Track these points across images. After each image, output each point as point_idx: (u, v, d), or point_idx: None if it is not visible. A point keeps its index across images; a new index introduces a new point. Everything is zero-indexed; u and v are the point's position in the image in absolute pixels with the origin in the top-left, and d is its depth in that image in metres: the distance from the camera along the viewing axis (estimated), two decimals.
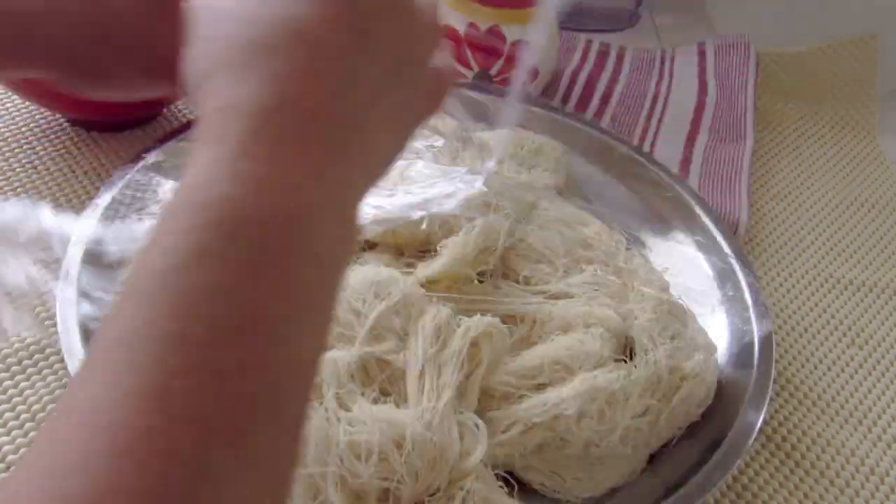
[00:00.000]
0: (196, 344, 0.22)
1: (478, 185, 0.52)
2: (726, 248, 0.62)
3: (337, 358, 0.47)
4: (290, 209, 0.24)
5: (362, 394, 0.47)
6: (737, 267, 0.60)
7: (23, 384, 0.52)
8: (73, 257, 0.54)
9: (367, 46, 0.27)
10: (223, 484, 0.21)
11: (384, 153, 0.30)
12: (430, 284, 0.54)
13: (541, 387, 0.50)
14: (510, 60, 0.74)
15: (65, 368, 0.50)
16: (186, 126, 0.65)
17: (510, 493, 0.47)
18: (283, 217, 0.24)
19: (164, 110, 0.73)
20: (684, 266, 0.62)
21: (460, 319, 0.51)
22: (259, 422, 0.23)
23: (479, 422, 0.47)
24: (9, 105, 0.72)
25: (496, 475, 0.47)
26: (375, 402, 0.47)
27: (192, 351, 0.22)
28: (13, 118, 0.71)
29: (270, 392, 0.23)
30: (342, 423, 0.44)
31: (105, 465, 0.20)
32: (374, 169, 0.30)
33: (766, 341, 0.55)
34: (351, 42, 0.27)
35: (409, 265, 0.57)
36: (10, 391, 0.51)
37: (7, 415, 0.50)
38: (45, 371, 0.52)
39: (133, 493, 0.20)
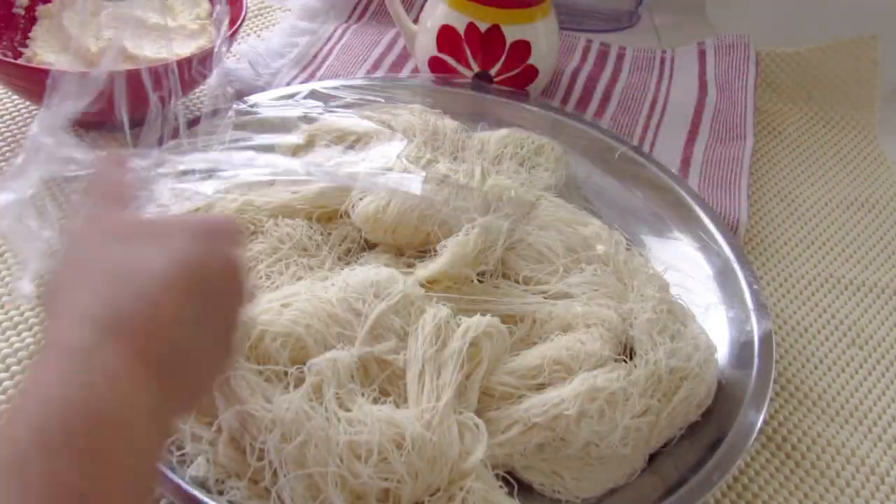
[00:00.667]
0: None
1: (415, 186, 0.53)
2: (726, 248, 0.62)
3: (337, 358, 0.47)
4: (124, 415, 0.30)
5: (362, 394, 0.47)
6: (737, 267, 0.60)
7: (23, 384, 0.52)
8: None
9: (199, 312, 0.34)
10: None
11: (194, 393, 0.37)
12: (430, 284, 0.54)
13: (541, 387, 0.50)
14: (510, 60, 0.74)
15: None
16: (186, 126, 0.65)
17: (510, 493, 0.47)
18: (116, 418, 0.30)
19: (164, 110, 0.73)
20: (684, 266, 0.62)
21: (460, 319, 0.51)
22: None
23: (479, 422, 0.47)
24: (9, 105, 0.72)
25: (496, 475, 0.47)
26: (375, 402, 0.47)
27: None
28: (13, 118, 0.71)
29: None
30: (342, 423, 0.44)
31: None
32: (191, 395, 0.36)
33: (766, 341, 0.55)
34: (188, 307, 0.34)
35: (409, 265, 0.57)
36: (11, 391, 0.51)
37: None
38: None
39: None
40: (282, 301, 0.49)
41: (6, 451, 0.28)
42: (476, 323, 0.50)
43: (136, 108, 0.69)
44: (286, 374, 0.47)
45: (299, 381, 0.46)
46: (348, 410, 0.45)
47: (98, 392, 0.29)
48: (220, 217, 0.40)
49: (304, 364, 0.47)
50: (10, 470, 0.27)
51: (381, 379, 0.48)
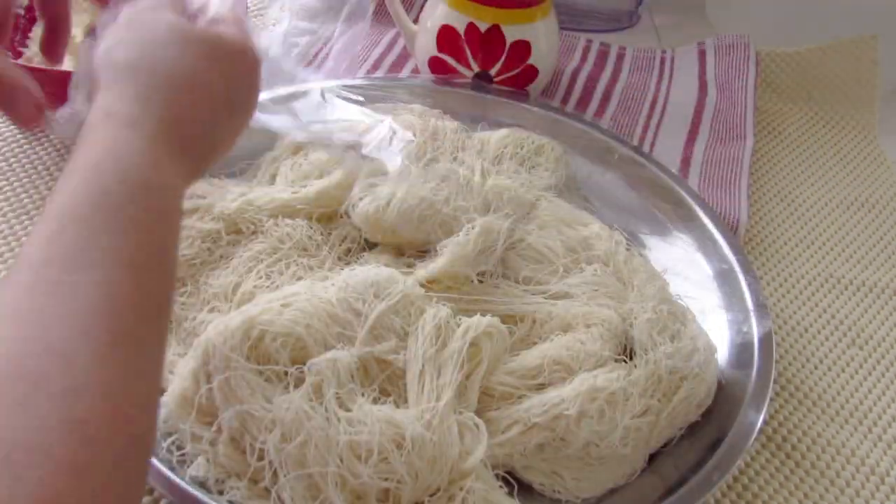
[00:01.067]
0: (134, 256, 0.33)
1: (394, 159, 0.54)
2: (726, 248, 0.62)
3: (337, 358, 0.47)
4: (155, 181, 0.36)
5: (362, 394, 0.47)
6: (737, 267, 0.60)
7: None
8: None
9: (230, 98, 0.42)
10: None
11: (220, 151, 0.43)
12: (430, 284, 0.54)
13: (541, 387, 0.50)
14: (510, 60, 0.74)
15: None
16: None
17: (510, 493, 0.47)
18: (152, 185, 0.36)
19: None
20: (684, 266, 0.62)
21: (460, 319, 0.51)
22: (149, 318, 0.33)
23: (479, 421, 0.47)
24: None
25: (496, 475, 0.47)
26: (375, 402, 0.47)
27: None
28: None
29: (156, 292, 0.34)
30: (342, 423, 0.44)
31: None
32: (210, 161, 0.42)
33: (766, 341, 0.55)
34: (220, 95, 0.41)
35: (409, 265, 0.57)
36: None
37: None
38: None
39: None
40: (282, 301, 0.49)
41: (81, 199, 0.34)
42: (476, 323, 0.50)
43: None
44: (286, 374, 0.47)
45: (299, 381, 0.46)
46: (348, 410, 0.45)
47: (164, 176, 0.36)
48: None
49: (304, 364, 0.47)
50: (111, 203, 0.33)
51: (381, 379, 0.48)
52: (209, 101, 0.40)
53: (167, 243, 0.35)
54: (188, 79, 0.40)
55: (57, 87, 0.62)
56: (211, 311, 0.53)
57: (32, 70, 0.63)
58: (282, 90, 0.57)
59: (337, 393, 0.46)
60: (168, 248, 0.35)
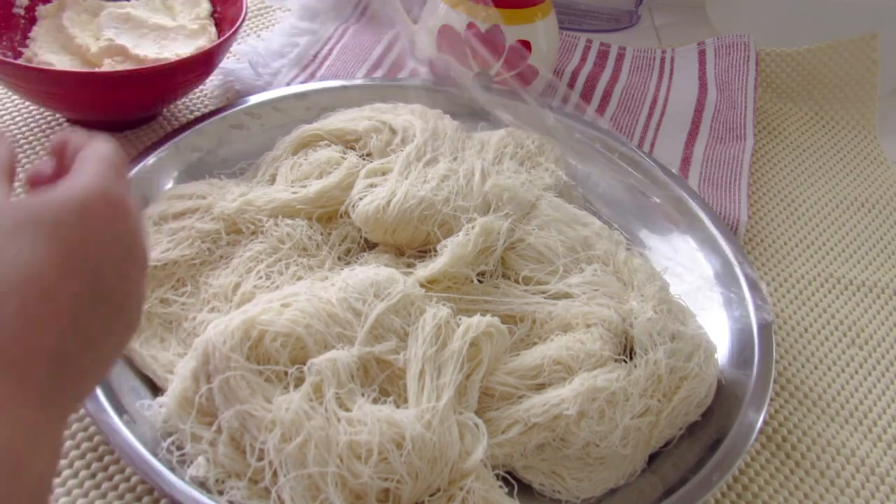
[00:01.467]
0: None
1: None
2: (726, 248, 0.62)
3: (337, 358, 0.47)
4: (7, 436, 0.27)
5: (362, 394, 0.47)
6: (737, 267, 0.60)
7: None
8: None
9: (95, 297, 0.30)
10: None
11: (95, 377, 0.33)
12: (430, 284, 0.54)
13: (541, 387, 0.50)
14: (510, 60, 0.74)
15: None
16: (185, 127, 0.65)
17: (510, 493, 0.47)
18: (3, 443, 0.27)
19: (164, 111, 0.73)
20: (684, 266, 0.62)
21: (460, 319, 0.51)
22: None
23: (479, 421, 0.47)
24: (9, 105, 0.72)
25: (496, 475, 0.47)
26: (375, 402, 0.47)
27: None
28: (13, 118, 0.71)
29: None
30: (342, 422, 0.44)
31: None
32: (83, 392, 0.32)
33: (766, 341, 0.55)
34: (78, 294, 0.30)
35: (409, 265, 0.57)
36: None
37: None
38: None
39: None
40: (282, 301, 0.49)
41: None
42: (476, 323, 0.50)
43: (139, 109, 0.69)
44: (286, 374, 0.47)
45: (299, 381, 0.46)
46: (348, 410, 0.45)
47: None
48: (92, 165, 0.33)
49: (304, 364, 0.47)
50: None
51: (381, 379, 0.48)
52: (41, 299, 0.29)
53: None
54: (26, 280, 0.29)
55: (57, 87, 0.63)
56: (211, 311, 0.53)
57: (32, 70, 0.63)
58: None
59: (337, 393, 0.46)
60: None
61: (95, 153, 0.34)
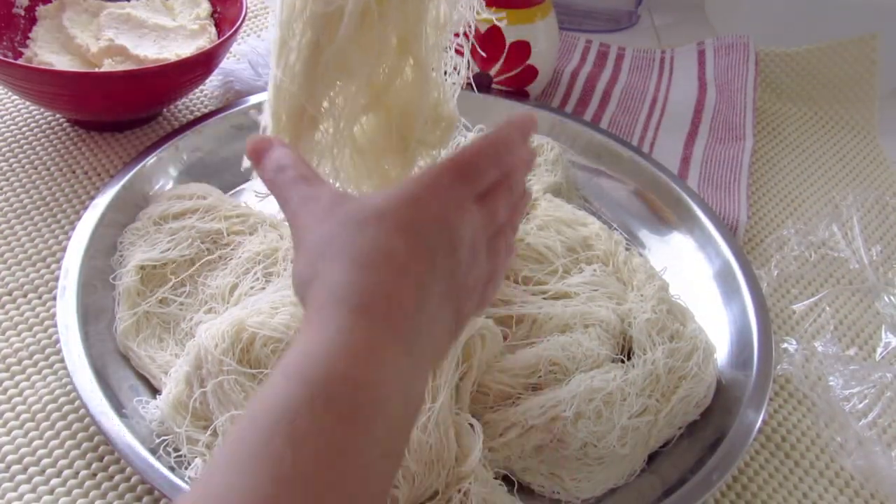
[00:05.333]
0: (300, 469, 0.29)
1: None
2: (726, 248, 0.62)
3: None
4: (371, 380, 0.32)
5: None
6: (737, 267, 0.60)
7: (23, 384, 0.52)
8: (74, 254, 0.54)
9: (435, 274, 0.36)
10: None
11: (440, 347, 0.38)
12: None
13: (536, 386, 0.50)
14: (510, 60, 0.74)
15: (65, 368, 0.50)
16: (185, 127, 0.65)
17: (510, 491, 0.47)
18: (365, 384, 0.32)
19: (164, 111, 0.73)
20: (684, 266, 0.62)
21: None
22: None
23: (475, 422, 0.47)
24: (9, 105, 0.72)
25: (495, 475, 0.47)
26: None
27: (297, 473, 0.29)
28: (13, 118, 0.71)
29: None
30: None
31: None
32: (431, 360, 0.38)
33: (766, 341, 0.55)
34: (425, 270, 0.36)
35: None
36: (11, 391, 0.51)
37: (7, 415, 0.50)
38: (45, 371, 0.53)
39: None
40: (271, 304, 0.49)
41: (278, 404, 0.31)
42: (470, 324, 0.50)
43: (139, 109, 0.69)
44: None
45: None
46: None
47: (359, 367, 0.32)
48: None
49: None
50: (280, 418, 0.30)
51: None
52: (399, 273, 0.35)
53: (351, 447, 0.30)
54: (385, 257, 0.35)
55: (57, 87, 0.63)
56: (208, 311, 0.53)
57: (32, 70, 0.63)
58: None
59: None
60: (353, 451, 0.30)
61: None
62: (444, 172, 0.38)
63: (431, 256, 0.36)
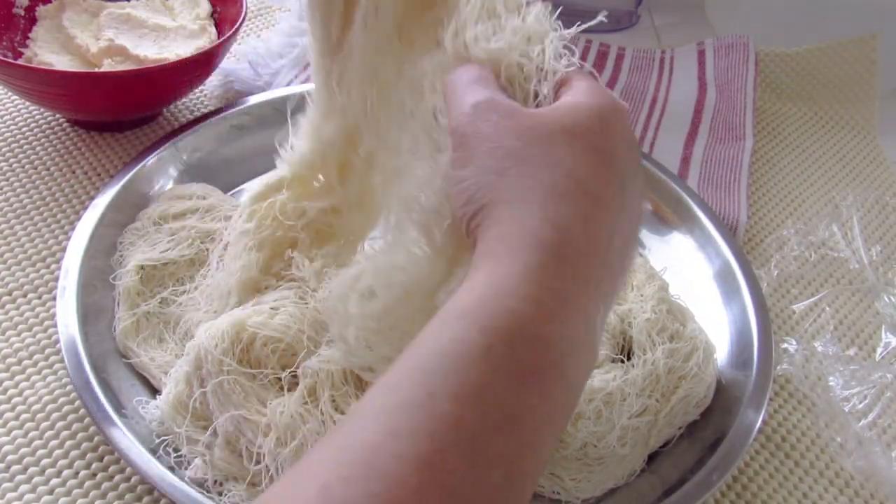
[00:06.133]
0: (466, 429, 0.26)
1: None
2: (726, 248, 0.62)
3: (330, 359, 0.47)
4: (558, 335, 0.29)
5: (357, 396, 0.47)
6: (737, 267, 0.60)
7: (23, 384, 0.52)
8: (74, 254, 0.54)
9: (625, 203, 0.33)
10: None
11: (621, 283, 0.34)
12: None
13: None
14: None
15: (65, 368, 0.50)
16: (185, 127, 0.65)
17: None
18: (551, 340, 0.29)
19: (164, 111, 0.73)
20: (684, 266, 0.62)
21: None
22: None
23: None
24: (9, 105, 0.72)
25: None
26: None
27: (462, 435, 0.26)
28: (13, 118, 0.71)
29: (519, 486, 0.27)
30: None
31: None
32: (613, 299, 0.34)
33: (766, 341, 0.55)
34: (616, 199, 0.32)
35: None
36: (10, 391, 0.51)
37: (7, 415, 0.50)
38: (45, 371, 0.53)
39: None
40: (271, 304, 0.49)
41: (449, 348, 0.28)
42: None
43: (139, 109, 0.69)
44: (279, 378, 0.47)
45: (292, 386, 0.46)
46: (344, 413, 0.45)
47: (548, 322, 0.29)
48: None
49: (294, 368, 0.47)
50: (448, 367, 0.27)
51: None
52: (594, 205, 0.31)
53: (528, 413, 0.27)
54: (577, 185, 0.31)
55: (57, 87, 0.63)
56: (207, 311, 0.53)
57: (32, 70, 0.63)
58: None
59: (332, 395, 0.46)
60: (524, 411, 0.27)
61: (584, 78, 0.36)
62: (599, 86, 0.35)
63: (622, 181, 0.32)
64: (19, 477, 0.47)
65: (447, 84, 0.37)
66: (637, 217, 0.35)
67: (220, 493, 0.45)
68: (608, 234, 0.31)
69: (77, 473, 0.48)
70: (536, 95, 0.37)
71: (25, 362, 0.53)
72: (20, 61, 0.68)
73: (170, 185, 0.63)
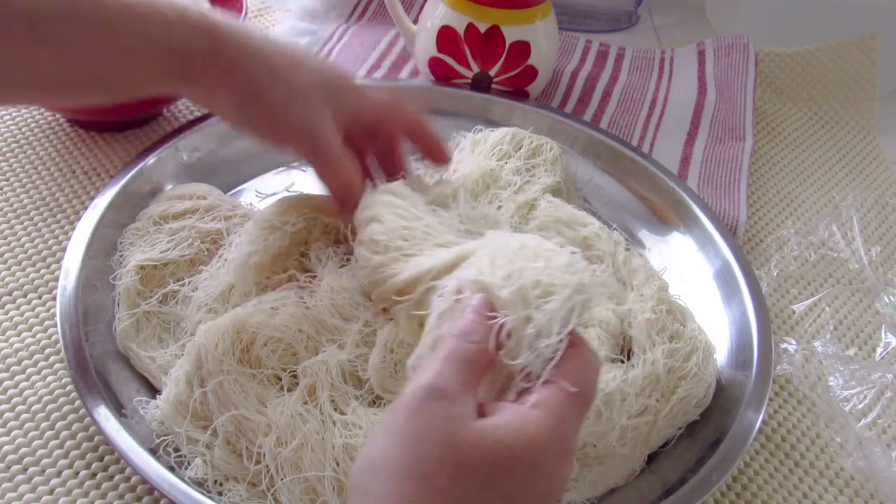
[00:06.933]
0: None
1: None
2: (726, 248, 0.62)
3: (329, 359, 0.47)
4: None
5: (356, 397, 0.47)
6: (736, 267, 0.60)
7: (23, 384, 0.52)
8: (74, 254, 0.54)
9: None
10: None
11: None
12: None
13: None
14: (510, 61, 0.74)
15: (65, 368, 0.50)
16: (185, 127, 0.65)
17: None
18: None
19: (164, 111, 0.73)
20: (684, 266, 0.62)
21: None
22: None
23: None
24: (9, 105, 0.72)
25: None
26: (371, 405, 0.47)
27: None
28: (13, 118, 0.71)
29: None
30: (337, 426, 0.44)
31: None
32: None
33: (766, 341, 0.55)
34: None
35: None
36: (10, 391, 0.51)
37: (7, 415, 0.50)
38: (45, 371, 0.53)
39: None
40: (271, 304, 0.49)
41: None
42: None
43: (139, 109, 0.69)
44: (279, 377, 0.47)
45: (292, 386, 0.46)
46: (343, 413, 0.45)
47: None
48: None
49: (294, 367, 0.47)
50: None
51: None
52: None
53: None
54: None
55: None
56: (208, 311, 0.53)
57: None
58: None
59: (331, 395, 0.46)
60: None
61: (562, 393, 0.34)
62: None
63: None
64: (19, 477, 0.47)
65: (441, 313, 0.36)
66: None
67: (220, 493, 0.45)
68: None
69: (77, 473, 0.48)
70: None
71: (25, 362, 0.53)
72: None
73: (170, 185, 0.63)
